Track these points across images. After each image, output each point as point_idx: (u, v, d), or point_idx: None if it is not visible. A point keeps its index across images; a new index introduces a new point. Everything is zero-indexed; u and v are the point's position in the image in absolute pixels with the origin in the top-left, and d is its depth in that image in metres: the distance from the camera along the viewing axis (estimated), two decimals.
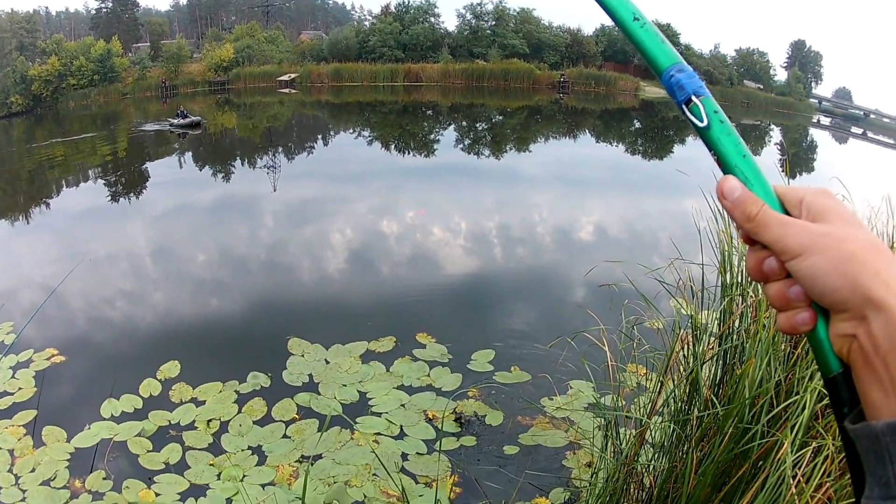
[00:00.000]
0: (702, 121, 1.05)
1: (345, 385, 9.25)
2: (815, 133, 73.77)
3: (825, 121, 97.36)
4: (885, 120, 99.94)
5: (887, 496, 0.83)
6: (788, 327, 0.96)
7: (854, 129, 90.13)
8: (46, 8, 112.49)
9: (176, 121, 43.09)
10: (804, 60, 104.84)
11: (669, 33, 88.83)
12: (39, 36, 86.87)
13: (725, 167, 1.04)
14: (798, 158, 43.38)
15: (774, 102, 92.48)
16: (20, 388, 9.27)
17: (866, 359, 0.87)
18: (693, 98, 1.07)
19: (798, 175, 31.62)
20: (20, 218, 22.64)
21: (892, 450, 0.83)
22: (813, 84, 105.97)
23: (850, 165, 40.62)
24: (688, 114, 1.07)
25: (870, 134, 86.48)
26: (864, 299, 0.86)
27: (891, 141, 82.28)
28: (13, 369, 9.77)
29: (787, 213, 0.99)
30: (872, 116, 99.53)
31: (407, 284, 13.65)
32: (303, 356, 10.06)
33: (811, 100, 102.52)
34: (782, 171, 6.60)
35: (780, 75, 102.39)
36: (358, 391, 9.12)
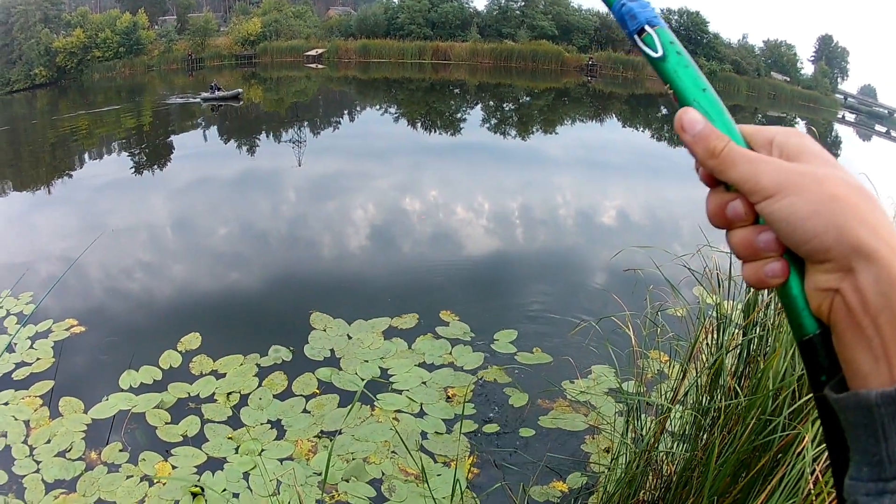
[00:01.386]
0: (656, 51, 0.98)
1: (366, 361, 9.26)
2: (839, 129, 73.26)
3: (850, 117, 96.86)
4: None
5: (879, 477, 0.74)
6: (756, 280, 0.87)
7: (878, 127, 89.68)
8: None
9: (208, 94, 43.10)
10: (831, 55, 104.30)
11: (698, 21, 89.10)
12: (64, 8, 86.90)
13: (683, 101, 0.95)
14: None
15: (800, 96, 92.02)
16: (38, 359, 9.31)
17: (852, 317, 0.77)
18: (646, 27, 0.99)
19: None
20: (43, 189, 22.80)
21: (888, 423, 0.73)
22: (839, 79, 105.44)
23: (874, 163, 40.28)
24: (640, 44, 1.00)
25: (893, 133, 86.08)
26: (851, 248, 0.76)
27: None
28: (31, 339, 9.83)
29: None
30: None
31: (430, 262, 13.65)
32: (325, 331, 10.07)
33: (837, 95, 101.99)
34: None
35: (807, 69, 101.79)
36: (379, 367, 9.12)
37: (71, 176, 24.87)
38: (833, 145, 51.26)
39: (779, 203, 0.81)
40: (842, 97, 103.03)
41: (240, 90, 44.73)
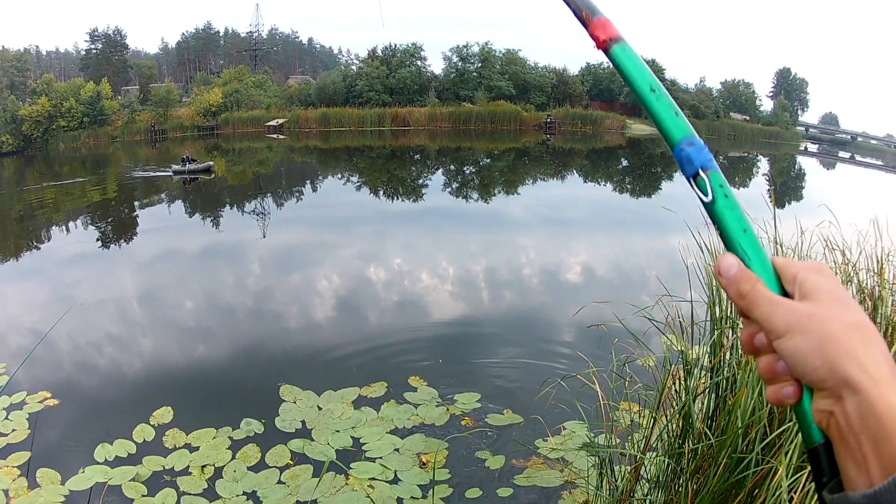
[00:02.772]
0: (707, 195, 1.08)
1: (338, 431, 9.21)
2: (802, 161, 74.71)
3: (812, 147, 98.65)
4: (873, 142, 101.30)
5: None
6: (775, 399, 0.99)
7: (842, 154, 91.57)
8: (37, 46, 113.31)
9: (180, 167, 43.06)
10: (790, 88, 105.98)
11: (655, 68, 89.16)
12: (30, 75, 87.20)
13: (727, 241, 1.07)
14: (786, 188, 43.90)
15: (761, 133, 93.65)
16: (14, 430, 9.28)
17: (841, 435, 0.90)
18: (700, 172, 1.09)
19: (787, 204, 31.94)
20: (11, 260, 22.83)
21: None
22: (799, 111, 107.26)
23: (838, 191, 41.14)
24: (695, 188, 1.10)
25: (857, 157, 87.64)
26: (840, 380, 0.89)
27: (879, 162, 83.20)
28: (6, 410, 9.81)
29: (783, 288, 1.01)
30: (860, 139, 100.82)
31: (396, 329, 13.56)
32: (295, 402, 10.01)
33: (798, 128, 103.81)
34: (770, 201, 6.63)
35: (766, 105, 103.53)
36: (351, 437, 9.07)
37: (39, 248, 25.03)
38: (797, 178, 52.04)
39: (787, 342, 0.94)
40: (803, 129, 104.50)
41: (210, 163, 45.07)
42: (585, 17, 1.25)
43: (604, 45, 1.23)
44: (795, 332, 0.93)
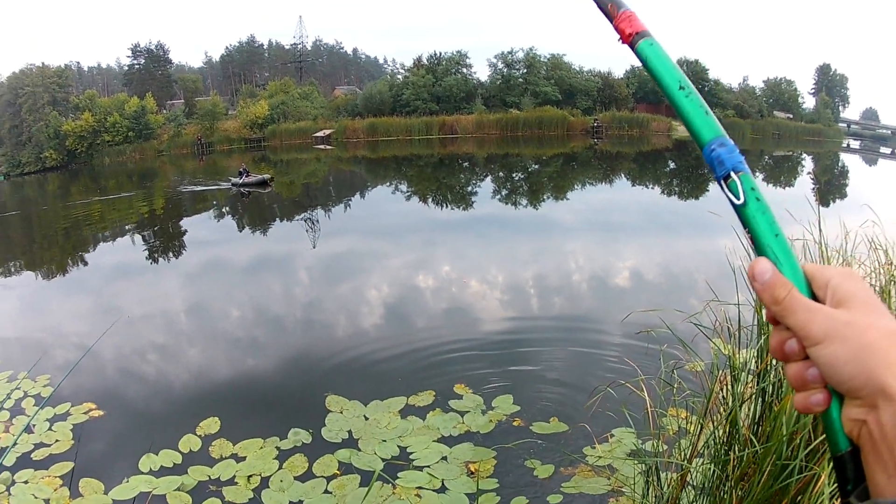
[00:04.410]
0: (738, 198, 1.06)
1: (384, 440, 9.20)
2: (845, 158, 74.05)
3: (854, 144, 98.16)
4: None
5: None
6: (803, 407, 0.98)
7: (883, 149, 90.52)
8: (78, 63, 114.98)
9: (238, 180, 42.83)
10: (830, 84, 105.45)
11: (697, 69, 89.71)
12: (72, 91, 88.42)
13: (758, 245, 1.05)
14: (830, 186, 43.52)
15: (804, 131, 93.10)
16: (57, 440, 9.41)
17: (874, 444, 0.90)
18: (732, 174, 1.07)
19: (832, 202, 31.67)
20: (58, 273, 23.38)
21: None
22: (840, 108, 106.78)
23: (880, 188, 40.59)
24: (725, 190, 1.08)
25: None
26: (877, 390, 0.88)
27: None
28: (50, 421, 9.95)
29: (813, 294, 1.00)
30: None
31: (443, 338, 13.45)
32: (341, 413, 10.02)
33: (840, 124, 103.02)
34: (816, 200, 6.56)
35: (808, 102, 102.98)
36: (398, 446, 9.06)
37: (86, 262, 25.37)
38: (840, 176, 51.53)
39: (824, 350, 0.93)
40: (845, 125, 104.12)
41: (266, 175, 44.40)
42: (611, 10, 1.24)
43: (629, 40, 1.22)
44: (834, 340, 0.92)
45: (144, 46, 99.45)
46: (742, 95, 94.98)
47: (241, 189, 41.77)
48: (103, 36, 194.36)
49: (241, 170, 43.72)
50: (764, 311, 1.10)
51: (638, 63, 1.22)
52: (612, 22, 1.24)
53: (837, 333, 0.92)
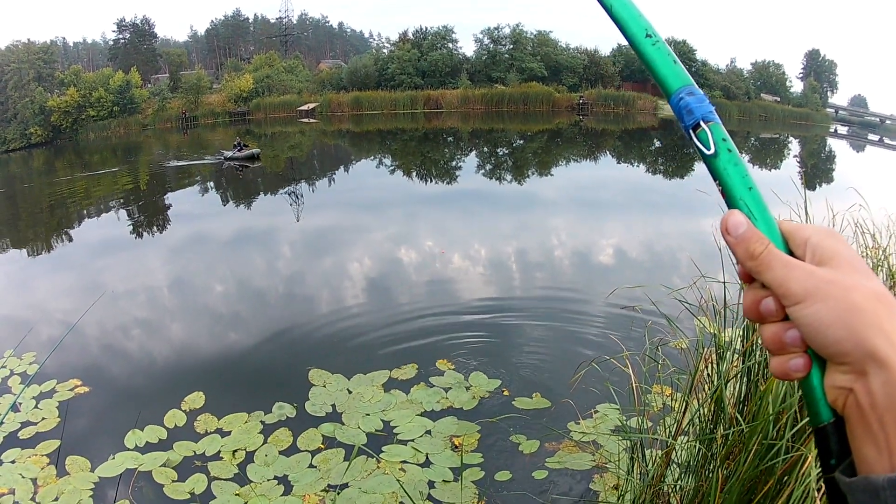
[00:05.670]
0: (709, 148, 1.02)
1: (368, 414, 9.22)
2: (832, 143, 74.54)
3: (842, 130, 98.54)
4: None
5: None
6: (780, 372, 0.93)
7: (871, 137, 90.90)
8: (64, 38, 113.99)
9: (230, 153, 42.21)
10: (819, 70, 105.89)
11: (685, 50, 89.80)
12: (57, 67, 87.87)
13: (730, 198, 1.01)
14: (817, 170, 43.81)
15: (792, 114, 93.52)
16: (43, 419, 9.40)
17: (861, 414, 0.85)
18: (701, 123, 1.03)
19: (818, 186, 31.90)
20: (43, 250, 23.23)
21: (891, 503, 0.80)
22: (829, 93, 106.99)
23: (867, 174, 40.62)
24: (695, 140, 1.04)
25: (886, 140, 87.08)
26: (867, 354, 0.83)
27: None
28: (36, 399, 9.93)
29: (791, 252, 0.96)
30: (888, 122, 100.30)
31: (426, 312, 13.46)
32: (325, 386, 10.04)
33: (828, 109, 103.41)
34: (802, 183, 6.56)
35: (796, 86, 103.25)
36: (382, 420, 9.08)
37: (70, 237, 25.32)
38: (827, 160, 51.80)
39: (806, 310, 0.88)
40: (833, 111, 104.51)
41: (257, 150, 43.48)
42: None
43: None
44: (816, 298, 0.87)
45: (130, 21, 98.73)
46: (729, 77, 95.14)
47: (233, 163, 41.18)
48: (89, 11, 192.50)
49: (235, 143, 43.15)
50: (738, 269, 1.00)
51: (625, 41, 1.19)
52: None
53: (820, 292, 0.87)
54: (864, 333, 0.83)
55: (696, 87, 1.07)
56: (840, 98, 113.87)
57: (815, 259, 0.92)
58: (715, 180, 1.03)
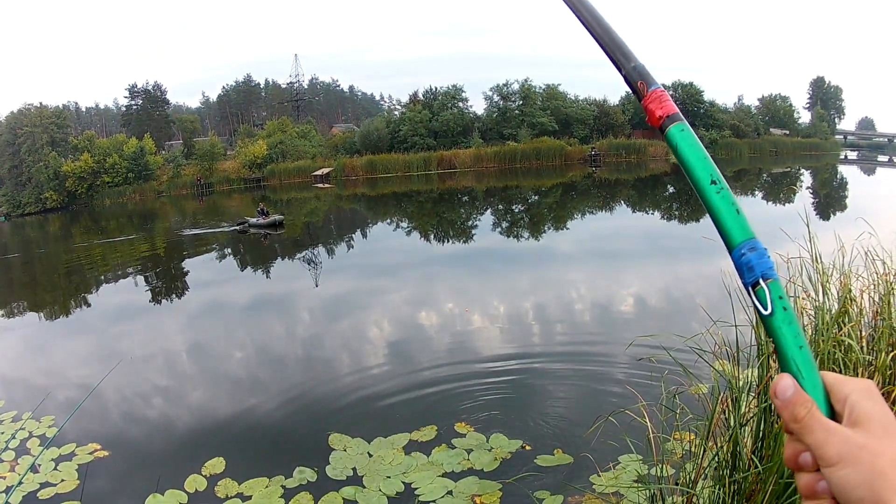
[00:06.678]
0: (766, 308, 1.04)
1: (389, 477, 9.17)
2: (843, 169, 74.93)
3: (852, 155, 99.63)
4: None
5: None
6: None
7: (881, 158, 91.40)
8: (76, 103, 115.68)
9: (256, 220, 41.76)
10: (825, 97, 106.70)
11: (693, 91, 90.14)
12: (70, 131, 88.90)
13: (781, 356, 1.03)
14: (830, 199, 43.81)
15: (801, 146, 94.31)
16: (63, 480, 9.47)
17: None
18: (761, 282, 1.05)
19: (832, 215, 32.01)
20: (61, 315, 23.62)
21: None
22: (836, 119, 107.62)
23: (878, 198, 40.54)
24: (753, 298, 1.06)
25: (895, 159, 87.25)
26: None
27: None
28: (55, 461, 10.02)
29: (831, 407, 1.00)
30: None
31: (445, 373, 13.40)
32: (345, 450, 10.01)
33: (836, 136, 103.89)
34: (810, 216, 6.57)
35: (804, 116, 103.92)
36: (403, 482, 9.03)
37: (88, 303, 25.47)
38: (839, 188, 52.00)
39: (839, 472, 0.94)
40: (842, 137, 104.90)
41: (280, 216, 42.96)
42: (640, 88, 1.22)
43: (659, 123, 1.20)
44: (847, 462, 0.93)
45: (142, 87, 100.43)
46: (738, 115, 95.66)
47: (257, 230, 40.84)
48: (101, 76, 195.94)
49: (258, 209, 42.96)
50: (782, 422, 1.04)
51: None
52: (640, 100, 1.23)
53: (851, 457, 0.93)
54: (883, 495, 0.89)
55: (757, 239, 1.08)
56: (848, 123, 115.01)
57: (850, 419, 0.97)
58: (769, 337, 1.07)
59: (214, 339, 18.07)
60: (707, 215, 1.13)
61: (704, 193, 1.12)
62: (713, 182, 1.12)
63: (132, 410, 12.76)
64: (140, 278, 29.95)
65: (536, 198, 57.43)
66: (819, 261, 6.22)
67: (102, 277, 31.03)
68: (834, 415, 0.99)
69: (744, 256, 1.06)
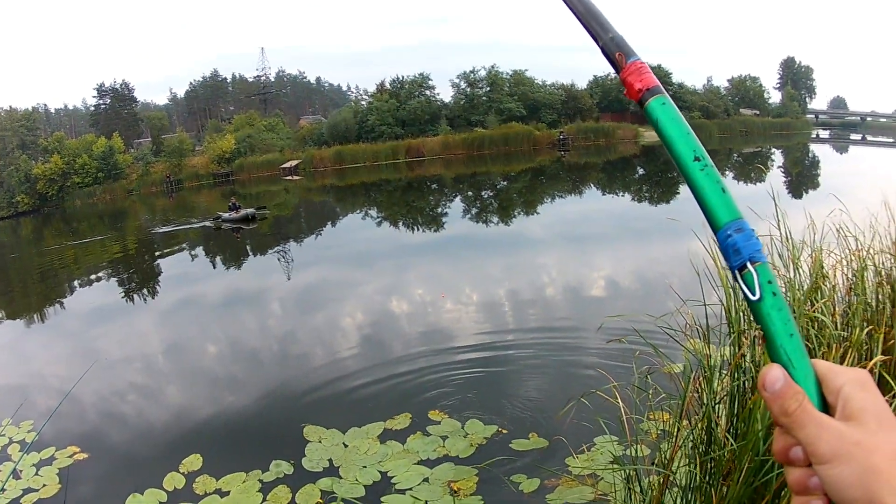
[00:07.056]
0: (754, 293, 1.01)
1: (365, 466, 9.18)
2: (815, 148, 75.92)
3: (824, 134, 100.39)
4: (882, 120, 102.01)
5: None
6: None
7: (853, 136, 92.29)
8: (45, 105, 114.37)
9: (228, 215, 41.13)
10: (796, 77, 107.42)
11: (661, 74, 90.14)
12: (40, 133, 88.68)
13: (770, 345, 1.00)
14: (802, 177, 44.08)
15: (772, 125, 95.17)
16: (44, 485, 9.40)
17: None
18: (748, 265, 1.01)
19: (805, 193, 32.16)
20: (36, 318, 23.38)
21: None
22: (807, 99, 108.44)
23: (851, 175, 40.81)
24: (740, 282, 1.02)
25: (869, 137, 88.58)
26: None
27: (890, 140, 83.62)
28: (36, 466, 9.95)
29: (824, 398, 0.97)
30: (869, 119, 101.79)
31: (418, 360, 13.40)
32: (320, 442, 10.00)
33: (808, 116, 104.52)
34: (782, 193, 6.60)
35: (775, 97, 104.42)
36: (379, 471, 9.05)
37: (63, 305, 25.38)
38: (811, 167, 52.29)
39: (832, 470, 0.91)
40: (813, 116, 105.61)
41: (252, 210, 41.89)
42: (618, 60, 1.17)
43: (638, 96, 1.15)
44: (841, 460, 0.90)
45: (110, 86, 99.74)
46: (707, 96, 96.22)
47: (229, 225, 40.43)
48: (69, 77, 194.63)
49: (230, 203, 42.43)
50: (770, 414, 1.00)
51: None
52: (618, 72, 1.18)
53: (845, 454, 0.90)
54: (877, 493, 0.86)
55: (744, 219, 1.04)
56: (819, 102, 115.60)
57: (844, 412, 0.94)
58: (757, 323, 1.02)
59: (188, 337, 18.02)
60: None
61: (687, 171, 1.08)
62: (697, 159, 1.08)
63: (109, 411, 12.71)
64: (113, 279, 29.84)
65: (505, 183, 57.56)
66: (789, 238, 6.22)
67: (76, 279, 30.81)
68: (826, 407, 0.97)
69: (730, 238, 1.03)
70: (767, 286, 1.00)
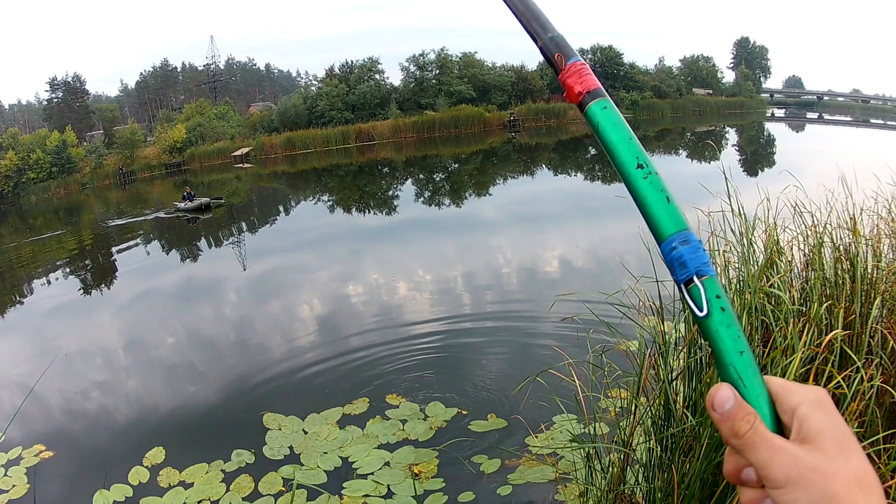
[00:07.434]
0: (701, 309, 0.96)
1: (325, 452, 9.19)
2: (771, 126, 76.11)
3: (779, 112, 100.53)
4: (839, 99, 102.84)
5: None
6: None
7: (809, 115, 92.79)
8: None
9: (183, 205, 40.85)
10: (750, 57, 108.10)
11: (612, 55, 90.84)
12: None
13: (719, 362, 0.96)
14: (757, 155, 44.23)
15: (726, 105, 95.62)
16: (14, 486, 9.33)
17: None
18: (694, 279, 0.97)
19: (760, 171, 32.29)
20: None
21: None
22: (762, 78, 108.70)
23: (807, 152, 41.07)
24: (686, 297, 0.98)
25: (826, 116, 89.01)
26: None
27: (847, 119, 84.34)
28: (4, 467, 9.86)
29: (778, 418, 0.93)
30: (826, 98, 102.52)
31: (375, 345, 13.43)
32: (280, 429, 9.99)
33: (762, 95, 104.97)
34: (743, 170, 6.64)
35: (728, 77, 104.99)
36: (339, 456, 9.05)
37: (22, 303, 24.94)
38: (767, 145, 52.53)
39: (787, 496, 0.87)
40: (768, 95, 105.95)
41: (207, 199, 41.67)
42: (557, 61, 1.13)
43: (578, 100, 1.10)
44: (797, 486, 0.86)
45: (62, 79, 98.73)
46: (659, 76, 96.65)
47: (185, 215, 40.05)
48: (22, 71, 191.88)
49: (185, 193, 42.01)
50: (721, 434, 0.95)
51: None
52: (557, 74, 1.13)
53: (801, 479, 0.86)
54: None
55: (691, 232, 1.00)
56: (775, 81, 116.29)
57: (800, 434, 0.90)
58: (705, 340, 0.98)
59: (147, 330, 17.80)
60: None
61: (630, 179, 1.04)
62: (640, 166, 1.03)
63: (72, 407, 12.61)
64: (71, 275, 29.40)
65: (457, 165, 57.56)
66: (742, 213, 6.22)
67: (35, 278, 30.36)
68: (781, 427, 0.93)
69: (675, 251, 0.98)
70: (716, 301, 0.96)
